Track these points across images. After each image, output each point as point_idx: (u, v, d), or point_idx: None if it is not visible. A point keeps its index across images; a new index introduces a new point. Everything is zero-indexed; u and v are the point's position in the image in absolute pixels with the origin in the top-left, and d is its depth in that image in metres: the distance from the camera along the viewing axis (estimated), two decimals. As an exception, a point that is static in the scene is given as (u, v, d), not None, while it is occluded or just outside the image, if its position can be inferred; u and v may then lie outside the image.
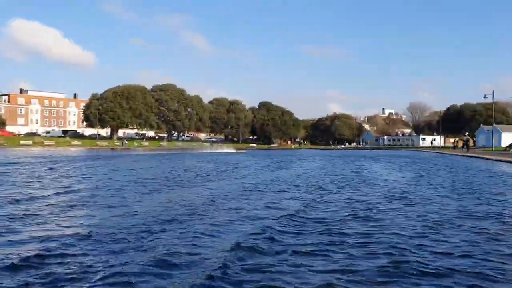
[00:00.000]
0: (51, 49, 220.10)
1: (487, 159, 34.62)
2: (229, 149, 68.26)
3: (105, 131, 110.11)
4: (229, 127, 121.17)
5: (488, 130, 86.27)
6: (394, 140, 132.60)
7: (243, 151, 66.22)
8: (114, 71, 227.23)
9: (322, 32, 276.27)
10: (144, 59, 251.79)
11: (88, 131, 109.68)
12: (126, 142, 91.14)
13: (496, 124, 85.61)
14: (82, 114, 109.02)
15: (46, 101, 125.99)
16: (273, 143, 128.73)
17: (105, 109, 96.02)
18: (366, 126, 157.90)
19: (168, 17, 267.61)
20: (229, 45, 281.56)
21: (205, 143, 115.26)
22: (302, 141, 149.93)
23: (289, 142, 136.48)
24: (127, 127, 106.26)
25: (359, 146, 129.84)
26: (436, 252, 5.08)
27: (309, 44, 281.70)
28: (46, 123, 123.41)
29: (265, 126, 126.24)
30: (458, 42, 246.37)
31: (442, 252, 5.07)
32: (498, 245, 5.46)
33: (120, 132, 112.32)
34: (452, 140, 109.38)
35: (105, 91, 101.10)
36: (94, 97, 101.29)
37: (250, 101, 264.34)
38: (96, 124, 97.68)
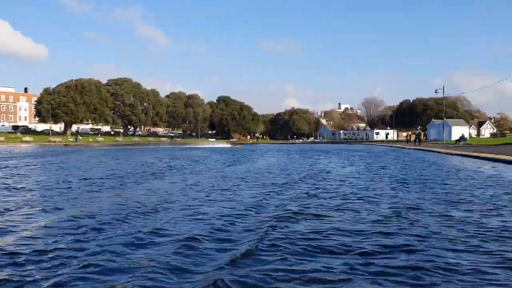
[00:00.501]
0: (0, 41, 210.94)
1: (438, 152, 36.09)
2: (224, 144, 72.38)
3: (58, 127, 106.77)
4: (187, 122, 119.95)
5: (439, 124, 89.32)
6: (349, 134, 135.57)
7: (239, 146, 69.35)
8: (67, 65, 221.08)
9: (279, 26, 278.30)
10: (99, 53, 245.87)
11: (41, 127, 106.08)
12: (80, 137, 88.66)
13: (446, 118, 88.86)
14: (33, 109, 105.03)
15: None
16: (232, 138, 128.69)
17: (58, 104, 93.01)
18: (323, 121, 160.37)
19: (123, 10, 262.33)
20: (186, 38, 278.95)
21: (163, 138, 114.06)
22: (261, 135, 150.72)
23: (248, 137, 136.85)
24: (81, 122, 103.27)
25: (317, 140, 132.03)
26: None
27: (266, 38, 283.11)
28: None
29: (224, 121, 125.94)
30: (411, 39, 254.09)
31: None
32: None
33: (74, 128, 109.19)
34: (405, 134, 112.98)
35: (58, 86, 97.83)
36: (46, 91, 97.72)
37: (208, 95, 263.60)
38: (49, 120, 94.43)
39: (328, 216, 7.27)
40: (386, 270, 4.42)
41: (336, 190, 10.86)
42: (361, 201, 9.07)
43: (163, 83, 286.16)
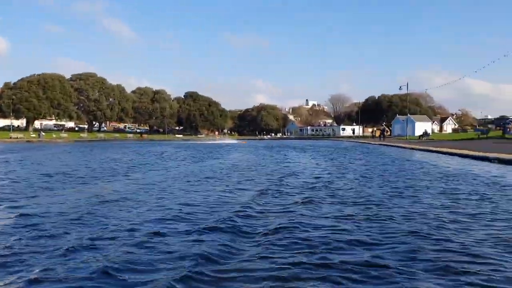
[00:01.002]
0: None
1: (401, 147, 37.10)
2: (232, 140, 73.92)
3: (20, 122, 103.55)
4: (154, 118, 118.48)
5: (403, 120, 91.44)
6: (317, 130, 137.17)
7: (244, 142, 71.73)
8: (29, 59, 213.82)
9: (246, 21, 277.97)
10: (62, 47, 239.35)
11: (1, 122, 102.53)
12: (44, 133, 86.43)
13: (410, 114, 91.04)
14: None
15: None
16: (200, 134, 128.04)
17: (20, 99, 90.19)
18: (291, 117, 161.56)
19: (88, 3, 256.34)
20: (152, 32, 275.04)
21: (129, 134, 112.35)
22: (229, 131, 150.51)
23: (216, 133, 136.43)
24: (44, 118, 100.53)
25: (284, 136, 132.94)
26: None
27: (233, 32, 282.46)
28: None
29: (192, 117, 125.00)
30: (376, 37, 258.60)
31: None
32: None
33: (37, 123, 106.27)
34: (370, 129, 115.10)
35: (19, 80, 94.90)
36: (7, 86, 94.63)
37: (175, 91, 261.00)
38: (10, 115, 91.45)
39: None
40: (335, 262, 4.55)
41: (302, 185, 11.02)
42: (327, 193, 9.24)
43: (128, 78, 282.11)
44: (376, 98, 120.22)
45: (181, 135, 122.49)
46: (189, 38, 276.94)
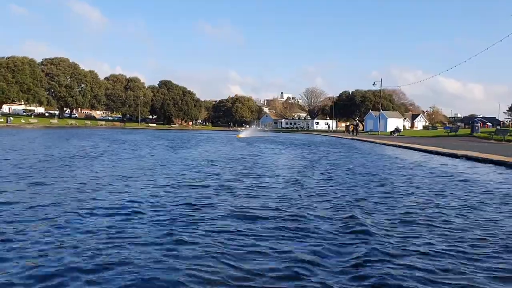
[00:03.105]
0: None
1: (373, 142, 37.74)
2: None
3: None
4: (127, 106, 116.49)
5: (376, 116, 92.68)
6: (291, 123, 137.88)
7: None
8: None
9: (220, 10, 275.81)
10: (30, 30, 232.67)
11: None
12: (12, 118, 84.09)
13: (383, 110, 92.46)
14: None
15: None
16: (173, 124, 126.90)
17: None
18: (266, 109, 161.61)
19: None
20: (124, 18, 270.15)
21: (101, 122, 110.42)
22: (204, 122, 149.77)
23: (190, 123, 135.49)
24: (13, 102, 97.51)
25: (259, 128, 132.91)
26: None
27: (208, 21, 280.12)
28: None
29: (166, 106, 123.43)
30: (352, 32, 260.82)
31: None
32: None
33: (5, 108, 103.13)
34: (343, 124, 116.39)
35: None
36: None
37: (149, 79, 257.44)
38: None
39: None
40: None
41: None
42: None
43: (101, 65, 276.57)
44: (350, 93, 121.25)
45: (154, 124, 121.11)
46: (162, 26, 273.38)
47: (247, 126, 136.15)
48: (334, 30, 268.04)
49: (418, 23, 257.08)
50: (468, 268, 4.17)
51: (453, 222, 6.11)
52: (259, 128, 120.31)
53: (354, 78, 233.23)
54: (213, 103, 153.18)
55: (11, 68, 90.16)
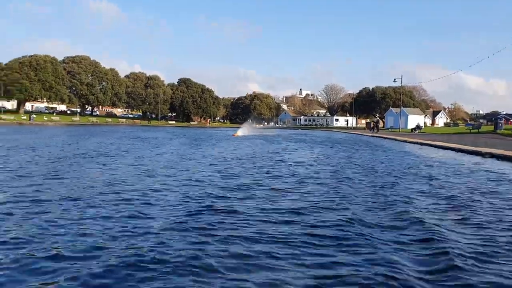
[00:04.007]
0: None
1: (395, 139, 37.41)
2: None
3: (10, 104, 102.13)
4: (147, 103, 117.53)
5: (396, 113, 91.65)
6: (310, 120, 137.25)
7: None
8: (18, 40, 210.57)
9: (240, 8, 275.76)
10: (50, 28, 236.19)
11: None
12: (34, 116, 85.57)
13: (403, 107, 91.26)
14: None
15: None
16: (192, 121, 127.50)
17: (11, 80, 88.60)
18: (284, 106, 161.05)
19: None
20: (144, 17, 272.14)
21: (121, 119, 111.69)
22: (222, 119, 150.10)
23: (208, 120, 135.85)
24: (35, 100, 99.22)
25: (277, 125, 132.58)
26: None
27: (226, 19, 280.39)
28: None
29: (185, 104, 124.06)
30: (373, 28, 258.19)
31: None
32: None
33: (28, 106, 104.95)
34: (363, 121, 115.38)
35: (10, 61, 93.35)
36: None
37: (168, 77, 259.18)
38: (1, 96, 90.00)
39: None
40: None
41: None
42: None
43: (118, 63, 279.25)
44: (370, 89, 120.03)
45: (173, 122, 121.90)
46: (181, 24, 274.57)
47: (265, 123, 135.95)
48: (352, 27, 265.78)
49: (441, 19, 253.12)
50: None
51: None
52: (260, 126, 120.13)
53: (374, 74, 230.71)
54: (232, 100, 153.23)
55: (33, 67, 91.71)
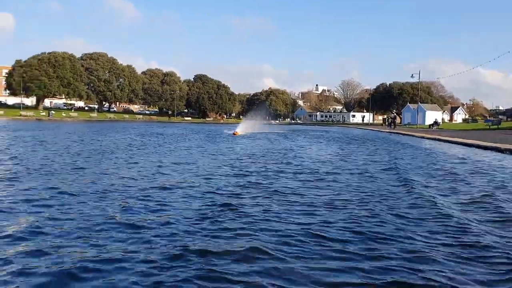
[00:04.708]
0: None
1: (413, 136, 37.08)
2: None
3: (30, 100, 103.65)
4: (163, 100, 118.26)
5: (414, 109, 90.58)
6: (326, 116, 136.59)
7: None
8: (35, 37, 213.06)
9: (252, 3, 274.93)
10: (67, 25, 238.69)
11: (11, 100, 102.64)
12: (53, 112, 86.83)
13: (421, 103, 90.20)
14: (4, 82, 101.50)
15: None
16: (208, 117, 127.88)
17: (30, 77, 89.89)
18: (300, 102, 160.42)
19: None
20: (158, 13, 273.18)
21: (138, 116, 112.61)
22: (238, 115, 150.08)
23: (224, 116, 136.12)
24: (54, 96, 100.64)
25: (293, 122, 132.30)
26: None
27: (239, 14, 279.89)
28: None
29: (201, 100, 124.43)
30: (390, 23, 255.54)
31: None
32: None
33: (47, 102, 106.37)
34: (380, 117, 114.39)
35: (30, 58, 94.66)
36: (18, 63, 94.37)
37: (184, 73, 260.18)
38: (20, 93, 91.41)
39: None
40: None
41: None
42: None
43: (135, 60, 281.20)
44: (388, 85, 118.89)
45: (189, 118, 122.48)
46: (195, 21, 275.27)
47: (281, 119, 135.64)
48: (370, 21, 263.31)
49: (458, 15, 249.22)
50: None
51: None
52: (276, 122, 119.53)
53: (391, 70, 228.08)
54: (247, 96, 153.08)
55: (52, 63, 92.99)
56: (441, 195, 7.77)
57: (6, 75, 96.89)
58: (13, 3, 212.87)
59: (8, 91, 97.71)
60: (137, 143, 21.19)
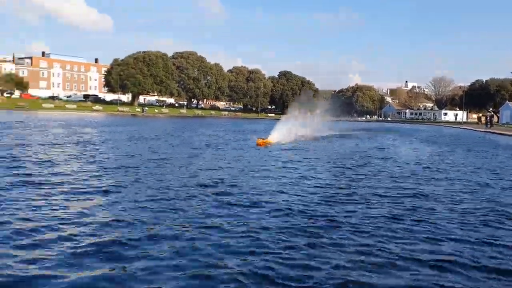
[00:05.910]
0: (65, 11, 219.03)
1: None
2: None
3: (126, 97, 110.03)
4: (248, 97, 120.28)
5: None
6: (416, 114, 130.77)
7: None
8: (131, 37, 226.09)
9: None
10: (158, 25, 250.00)
11: (109, 97, 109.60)
12: (147, 108, 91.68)
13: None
14: (103, 79, 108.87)
15: (68, 65, 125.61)
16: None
17: (127, 75, 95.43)
18: (388, 99, 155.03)
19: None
20: (246, 12, 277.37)
21: (224, 112, 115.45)
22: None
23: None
24: (147, 93, 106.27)
25: (380, 119, 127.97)
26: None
27: (325, 11, 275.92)
28: (67, 87, 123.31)
29: (284, 96, 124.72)
30: (484, 16, 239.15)
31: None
32: None
33: (141, 98, 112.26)
34: (475, 115, 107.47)
35: (126, 57, 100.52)
36: (115, 62, 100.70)
37: (268, 70, 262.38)
38: (117, 90, 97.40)
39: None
40: None
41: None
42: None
43: (220, 58, 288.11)
44: (484, 82, 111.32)
45: (273, 114, 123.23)
46: (281, 18, 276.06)
47: (368, 116, 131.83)
48: (464, 13, 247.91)
49: None
50: None
51: None
52: (363, 119, 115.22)
53: (486, 66, 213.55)
54: (332, 92, 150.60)
55: (146, 62, 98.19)
56: None
57: (105, 73, 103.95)
58: (110, 4, 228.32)
59: (106, 88, 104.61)
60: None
